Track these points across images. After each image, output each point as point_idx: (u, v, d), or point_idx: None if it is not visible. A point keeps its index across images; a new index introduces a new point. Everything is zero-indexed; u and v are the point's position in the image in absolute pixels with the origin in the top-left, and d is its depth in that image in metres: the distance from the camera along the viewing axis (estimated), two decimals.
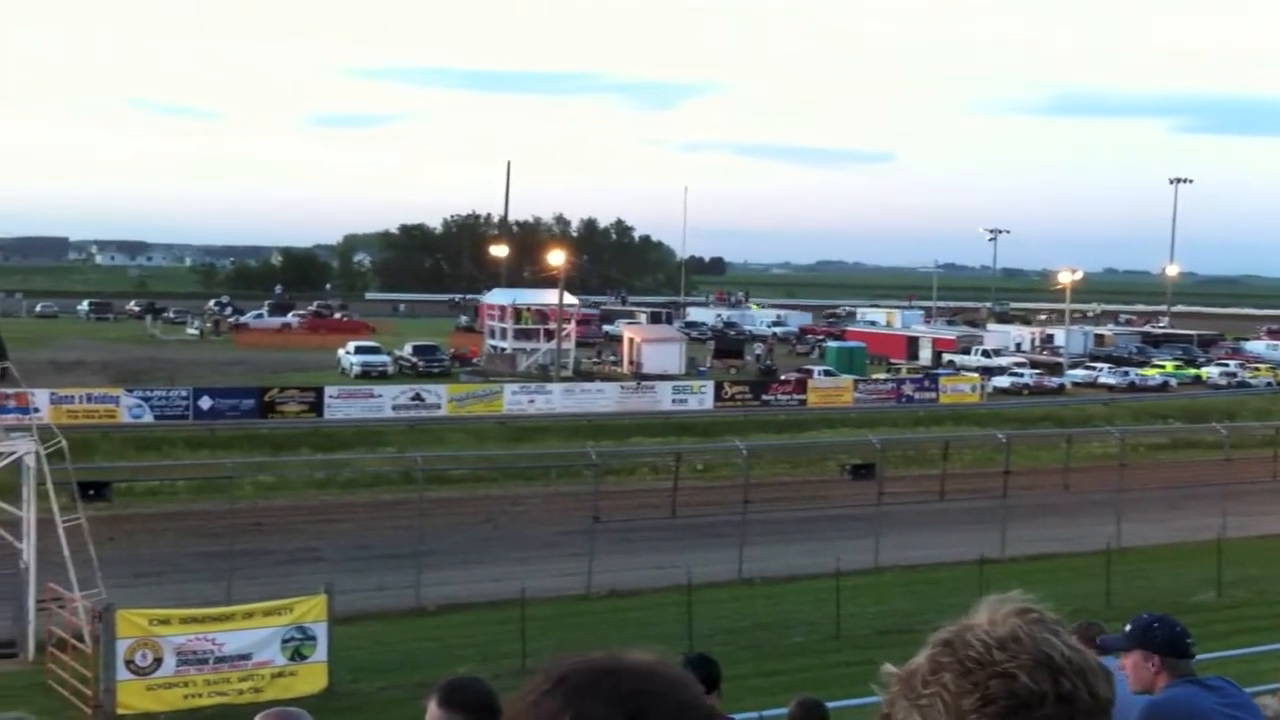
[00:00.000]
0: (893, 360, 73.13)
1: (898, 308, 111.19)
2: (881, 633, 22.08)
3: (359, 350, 62.44)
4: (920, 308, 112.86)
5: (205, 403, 46.67)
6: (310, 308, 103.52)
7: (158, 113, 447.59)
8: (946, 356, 74.13)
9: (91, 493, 23.46)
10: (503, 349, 67.12)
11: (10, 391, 23.96)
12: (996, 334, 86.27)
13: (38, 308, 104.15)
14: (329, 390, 49.92)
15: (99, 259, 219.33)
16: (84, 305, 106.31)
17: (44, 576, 20.74)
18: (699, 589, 22.74)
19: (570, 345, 64.69)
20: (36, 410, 37.95)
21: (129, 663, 17.82)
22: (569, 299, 66.14)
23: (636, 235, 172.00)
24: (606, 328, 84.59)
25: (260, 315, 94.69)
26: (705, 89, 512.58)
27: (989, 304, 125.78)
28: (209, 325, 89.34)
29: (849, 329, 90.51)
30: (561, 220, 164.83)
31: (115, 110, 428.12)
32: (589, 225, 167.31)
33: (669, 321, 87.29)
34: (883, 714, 1.54)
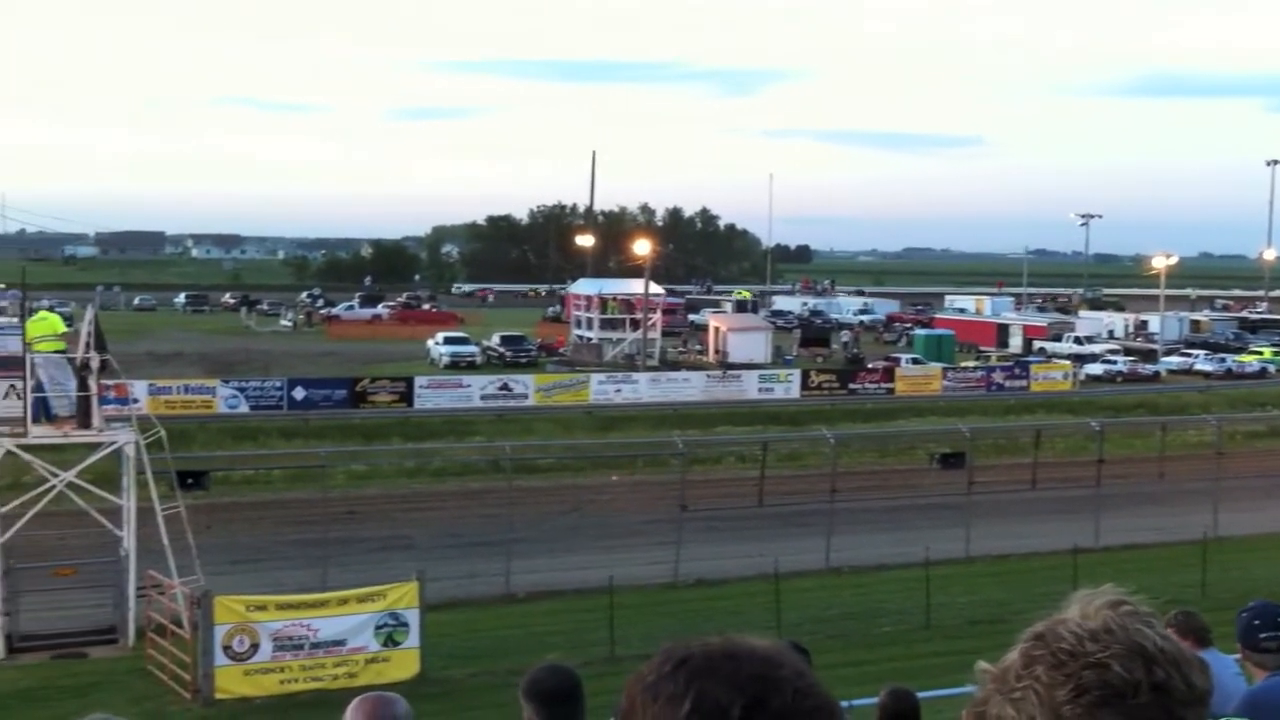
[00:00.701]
0: (982, 348, 72.29)
1: (987, 294, 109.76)
2: (972, 623, 21.88)
3: (448, 341, 63.09)
4: (1010, 294, 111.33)
5: (299, 393, 47.47)
6: (400, 299, 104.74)
7: (253, 109, 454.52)
8: (1037, 344, 73.16)
9: (190, 481, 23.91)
10: (589, 339, 67.36)
11: (110, 383, 24.47)
12: (1089, 320, 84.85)
13: (136, 300, 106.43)
14: (419, 380, 50.51)
15: (195, 253, 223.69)
16: (181, 298, 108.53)
17: (144, 564, 21.20)
18: (786, 578, 22.70)
19: (656, 335, 64.76)
20: (136, 401, 38.87)
21: (227, 648, 18.18)
22: (654, 288, 66.19)
23: (721, 224, 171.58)
24: (692, 317, 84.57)
25: (351, 307, 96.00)
26: (787, 75, 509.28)
27: (1081, 290, 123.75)
28: (302, 317, 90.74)
29: (937, 316, 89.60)
30: (646, 209, 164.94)
31: (210, 108, 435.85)
32: (674, 214, 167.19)
33: (754, 310, 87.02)
34: (975, 711, 1.55)
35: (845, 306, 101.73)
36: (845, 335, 74.90)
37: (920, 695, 6.76)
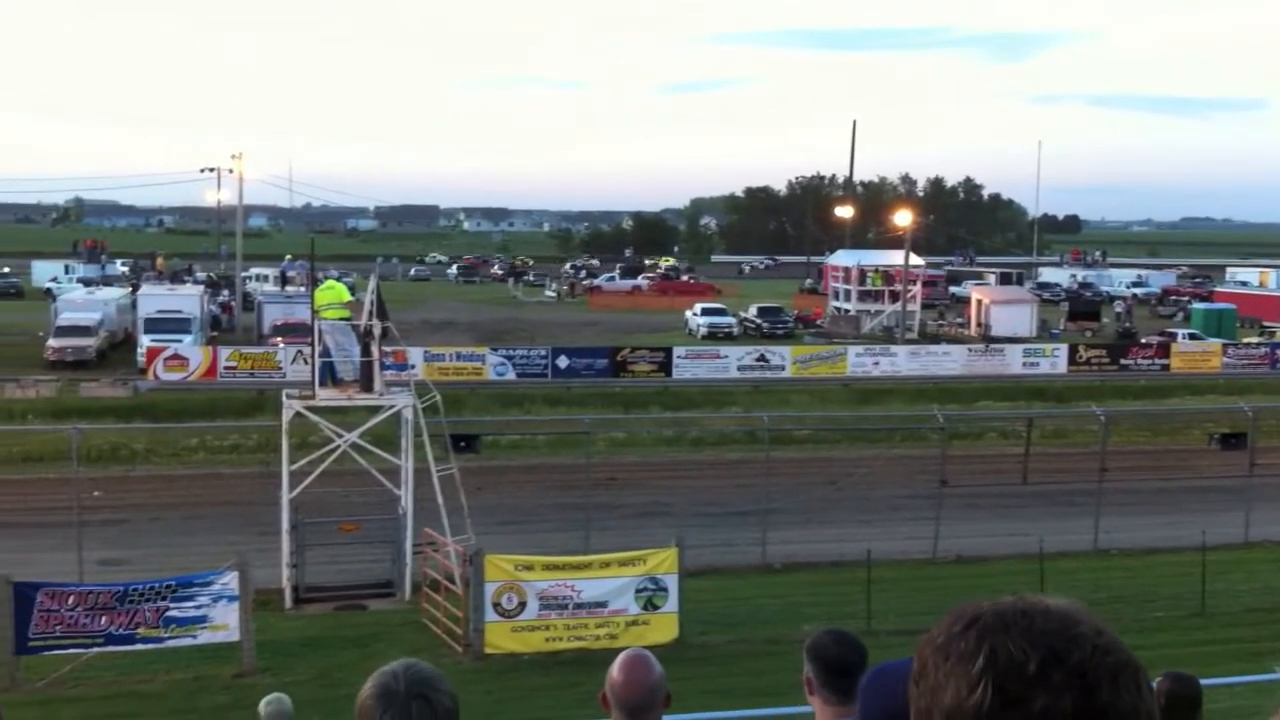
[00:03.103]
0: (1266, 323, 68.18)
1: (1272, 267, 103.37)
2: (1251, 610, 20.84)
3: (705, 312, 63.63)
4: None
5: (562, 361, 48.79)
6: (659, 270, 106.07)
7: (523, 84, 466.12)
8: None
9: (462, 445, 24.87)
10: (846, 310, 66.78)
11: (390, 349, 25.71)
12: None
13: (412, 271, 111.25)
14: (677, 351, 51.17)
15: (466, 225, 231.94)
16: (453, 269, 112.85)
17: (420, 522, 22.20)
18: (1051, 558, 22.11)
19: (915, 307, 63.67)
20: (413, 367, 40.81)
21: (496, 605, 18.93)
22: (914, 260, 65.04)
23: (985, 193, 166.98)
24: (953, 289, 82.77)
25: (612, 278, 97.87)
26: (1061, 38, 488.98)
27: None
28: (565, 288, 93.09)
29: (1217, 290, 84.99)
30: (907, 179, 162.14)
31: (483, 84, 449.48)
32: (935, 184, 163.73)
33: (1019, 282, 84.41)
34: None
35: (1116, 279, 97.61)
36: (1117, 307, 71.90)
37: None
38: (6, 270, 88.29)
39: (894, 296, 63.37)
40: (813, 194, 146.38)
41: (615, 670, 4.18)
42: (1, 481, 31.12)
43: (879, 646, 4.14)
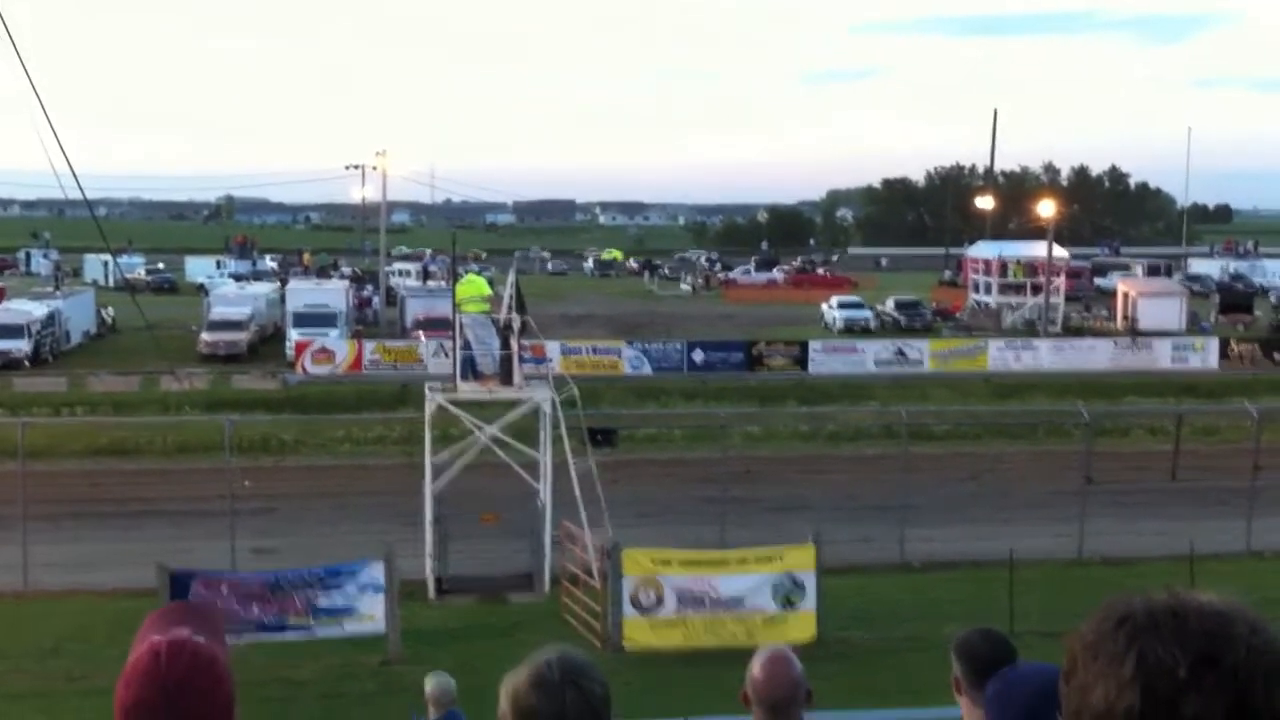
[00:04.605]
0: None
1: None
2: None
3: (842, 305, 63.12)
4: None
5: (698, 355, 48.89)
6: (794, 263, 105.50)
7: (661, 78, 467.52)
8: None
9: (599, 438, 25.12)
10: (987, 304, 65.62)
11: (528, 343, 26.02)
12: None
13: (549, 265, 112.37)
14: (813, 344, 50.87)
15: (602, 219, 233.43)
16: (589, 263, 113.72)
17: (558, 515, 22.43)
18: (1202, 560, 21.49)
19: (1059, 300, 62.30)
20: (550, 361, 41.25)
21: (634, 600, 19.06)
22: (1058, 251, 63.62)
23: (1132, 182, 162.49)
24: (1098, 281, 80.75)
25: (747, 271, 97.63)
26: (1218, 19, 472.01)
27: None
28: (700, 281, 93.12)
29: None
30: (1050, 169, 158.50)
31: (621, 79, 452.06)
32: (1080, 173, 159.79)
33: (1168, 274, 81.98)
34: None
35: (1270, 270, 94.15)
36: (1274, 299, 69.42)
37: None
38: (161, 266, 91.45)
39: (1036, 289, 62.10)
40: (952, 184, 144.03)
41: (756, 667, 4.19)
42: (158, 471, 32.32)
43: (1023, 648, 4.12)
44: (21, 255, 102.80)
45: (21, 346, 47.62)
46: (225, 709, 2.37)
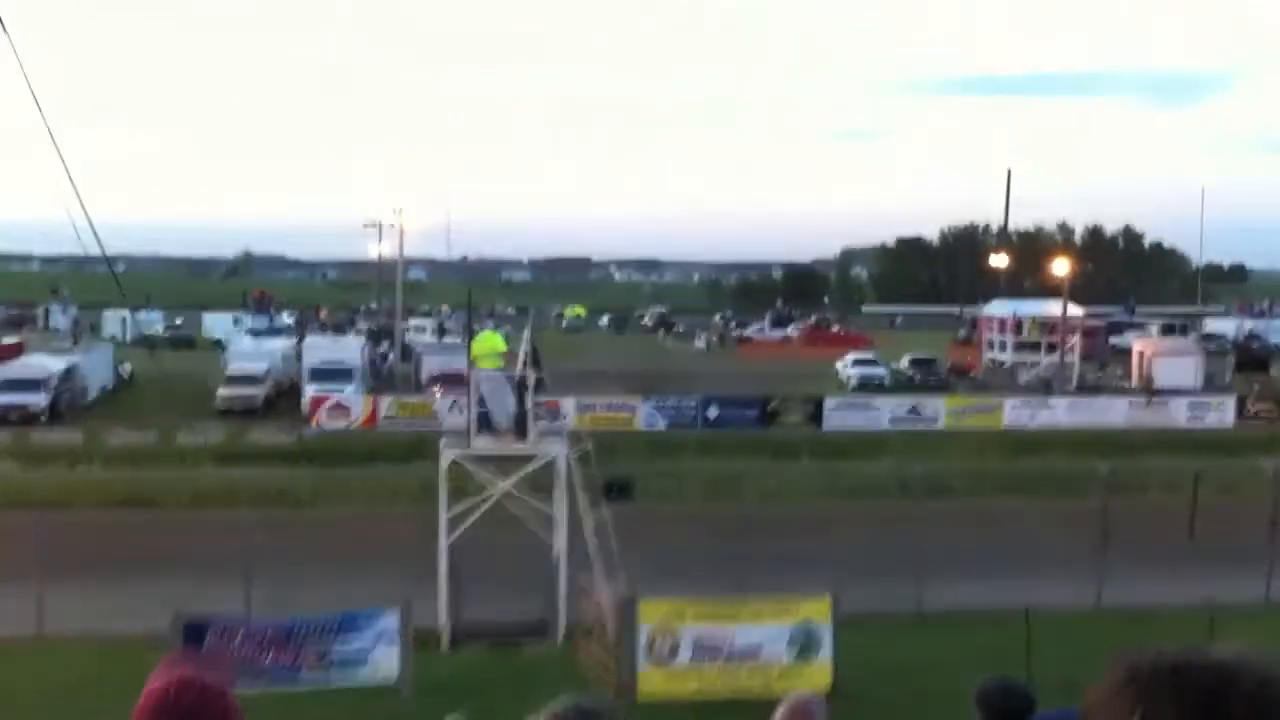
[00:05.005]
0: None
1: None
2: None
3: (857, 362, 63.19)
4: None
5: (713, 411, 48.95)
6: (809, 320, 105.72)
7: (676, 131, 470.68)
8: None
9: (614, 492, 25.14)
10: (1002, 362, 65.62)
11: (543, 399, 26.15)
12: None
13: (564, 322, 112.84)
14: (828, 401, 50.89)
15: (617, 276, 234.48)
16: (604, 319, 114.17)
17: (573, 568, 22.48)
18: (1221, 612, 21.34)
19: (1074, 358, 62.29)
20: (565, 416, 41.38)
21: (649, 650, 19.03)
22: (1073, 310, 63.69)
23: (1146, 242, 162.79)
24: (1113, 340, 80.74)
25: (762, 329, 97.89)
26: (1234, 80, 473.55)
27: None
28: (715, 338, 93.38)
29: None
30: (1065, 228, 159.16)
31: (634, 135, 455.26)
32: (1094, 233, 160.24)
33: (1184, 333, 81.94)
34: None
35: None
36: None
37: None
38: (179, 321, 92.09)
39: (1052, 347, 62.09)
40: (966, 243, 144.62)
41: (779, 715, 4.18)
42: (174, 522, 32.37)
43: (1041, 701, 4.16)
44: (41, 310, 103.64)
45: (39, 401, 47.90)
46: None
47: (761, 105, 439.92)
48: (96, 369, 56.01)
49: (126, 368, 59.99)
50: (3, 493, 32.21)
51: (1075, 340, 63.11)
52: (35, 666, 20.94)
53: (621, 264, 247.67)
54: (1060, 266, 66.40)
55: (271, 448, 42.56)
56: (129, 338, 75.35)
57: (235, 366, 53.46)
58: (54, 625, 22.60)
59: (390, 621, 18.66)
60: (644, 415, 48.65)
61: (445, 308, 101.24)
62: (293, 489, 35.29)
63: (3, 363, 53.45)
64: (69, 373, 51.60)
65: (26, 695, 19.40)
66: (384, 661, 18.62)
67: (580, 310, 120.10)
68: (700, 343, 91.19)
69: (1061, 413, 51.31)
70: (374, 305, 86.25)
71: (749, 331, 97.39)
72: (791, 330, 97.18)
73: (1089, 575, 24.93)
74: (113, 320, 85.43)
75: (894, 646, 22.12)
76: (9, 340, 65.51)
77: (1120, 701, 1.40)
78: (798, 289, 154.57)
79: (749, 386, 57.79)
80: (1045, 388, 58.53)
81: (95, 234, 19.80)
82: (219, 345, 70.00)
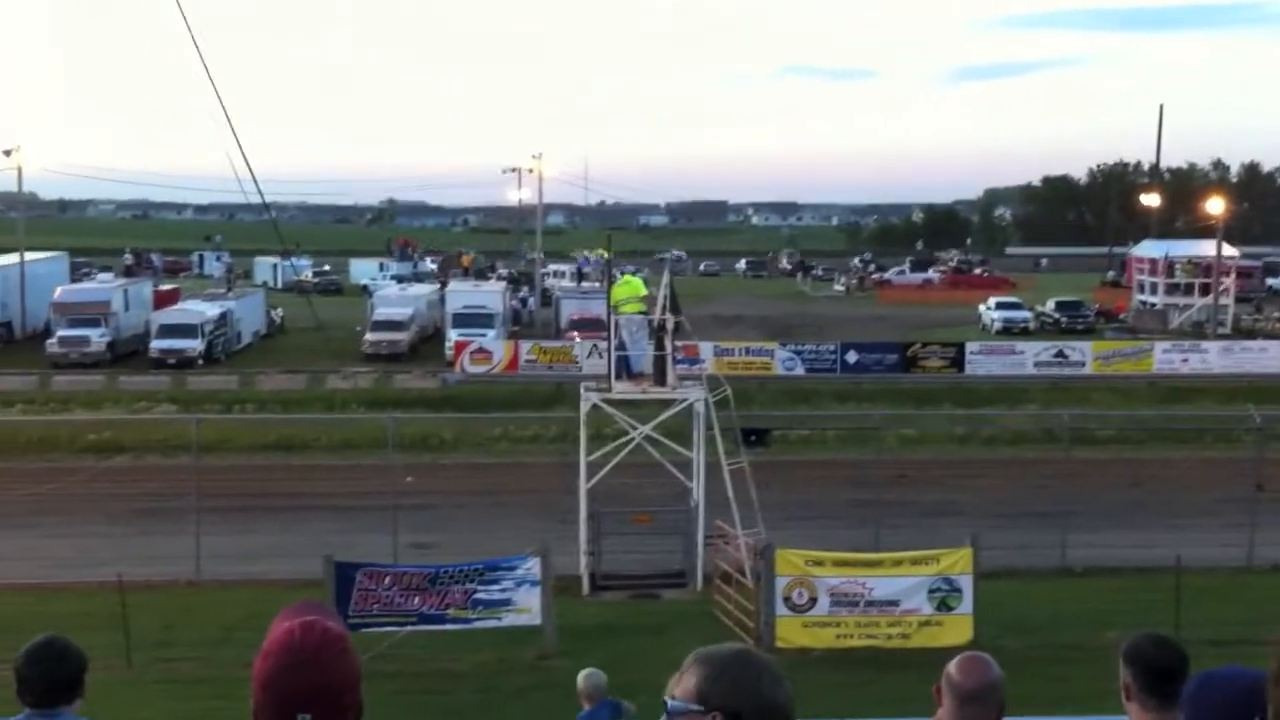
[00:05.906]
0: None
1: None
2: None
3: (1000, 306, 62.01)
4: None
5: (851, 357, 48.52)
6: (950, 263, 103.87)
7: (810, 76, 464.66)
8: None
9: (752, 439, 25.16)
10: (1153, 304, 63.76)
11: (682, 344, 26.17)
12: None
13: (701, 266, 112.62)
14: (970, 346, 50.10)
15: (754, 220, 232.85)
16: (742, 264, 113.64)
17: (711, 514, 22.53)
18: None
19: (1229, 300, 60.20)
20: (703, 361, 41.39)
21: (786, 599, 19.05)
22: (1227, 250, 61.48)
23: None
24: (1270, 281, 77.80)
25: (902, 272, 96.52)
26: None
27: None
28: (854, 282, 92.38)
29: None
30: (1220, 165, 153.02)
31: (770, 78, 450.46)
32: (1250, 169, 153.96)
33: None
34: None
35: None
36: None
37: None
38: (327, 268, 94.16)
39: (1205, 290, 60.12)
40: (1115, 182, 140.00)
41: (953, 666, 3.98)
42: (323, 467, 33.34)
43: (1191, 657, 4.06)
44: (195, 258, 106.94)
45: (195, 345, 49.56)
46: (353, 681, 2.63)
47: (898, 43, 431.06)
48: (249, 315, 57.70)
49: (278, 313, 61.69)
50: (161, 436, 33.53)
51: (1229, 282, 61.00)
52: (193, 608, 21.81)
53: (759, 207, 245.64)
54: (1215, 205, 64.13)
55: (416, 392, 43.47)
56: (280, 284, 77.32)
57: (381, 312, 54.57)
58: (209, 566, 23.50)
59: (532, 567, 19.00)
60: (781, 360, 48.43)
61: (586, 253, 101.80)
62: (437, 433, 36.02)
63: (161, 309, 55.38)
64: (223, 318, 53.25)
65: (185, 635, 20.25)
66: (526, 605, 18.97)
67: (603, 252, 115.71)
68: (839, 287, 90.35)
69: (1214, 358, 49.72)
70: (522, 249, 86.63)
71: (889, 275, 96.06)
72: (932, 273, 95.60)
73: (1240, 529, 24.20)
74: (264, 267, 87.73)
75: (1036, 599, 21.81)
76: (166, 287, 67.72)
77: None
78: (939, 231, 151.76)
79: (889, 331, 57.15)
80: (1198, 331, 56.76)
81: (256, 183, 20.37)
82: (365, 291, 71.44)
